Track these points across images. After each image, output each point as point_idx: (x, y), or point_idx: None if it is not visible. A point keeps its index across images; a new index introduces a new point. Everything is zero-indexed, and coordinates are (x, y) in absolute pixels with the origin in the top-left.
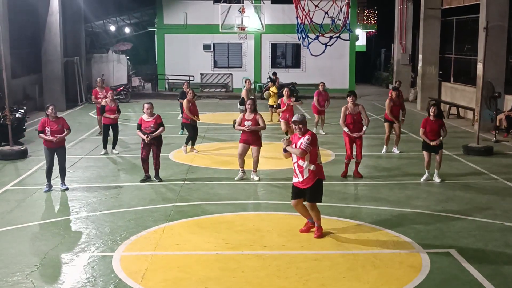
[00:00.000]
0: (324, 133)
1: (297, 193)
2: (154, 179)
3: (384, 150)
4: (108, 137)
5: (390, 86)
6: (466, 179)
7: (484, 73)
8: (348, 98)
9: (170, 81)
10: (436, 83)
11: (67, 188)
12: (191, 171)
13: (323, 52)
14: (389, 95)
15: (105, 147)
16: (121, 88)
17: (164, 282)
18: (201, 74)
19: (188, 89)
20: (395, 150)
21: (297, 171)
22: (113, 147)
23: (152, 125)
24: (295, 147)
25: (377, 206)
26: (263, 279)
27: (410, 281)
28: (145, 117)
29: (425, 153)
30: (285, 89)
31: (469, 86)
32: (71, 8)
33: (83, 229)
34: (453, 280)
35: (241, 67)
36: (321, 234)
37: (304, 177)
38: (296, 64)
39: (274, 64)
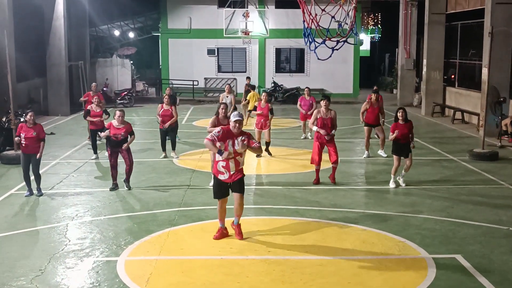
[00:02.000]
0: (311, 137)
1: (225, 189)
2: (124, 183)
3: (365, 155)
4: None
5: (395, 91)
6: (471, 184)
7: (489, 78)
8: (322, 102)
9: (174, 85)
10: (440, 88)
11: (41, 195)
12: (195, 176)
13: (330, 56)
14: (368, 99)
15: (95, 152)
16: (125, 92)
17: (168, 287)
18: (205, 78)
19: (166, 95)
20: (382, 153)
21: (231, 166)
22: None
23: (122, 133)
24: (235, 144)
25: (382, 211)
26: (268, 284)
27: (415, 287)
28: (115, 123)
29: (395, 157)
30: (264, 93)
31: (473, 91)
32: (75, 12)
33: (88, 234)
34: (459, 286)
35: (245, 72)
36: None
37: (235, 171)
38: (300, 69)
39: (278, 69)
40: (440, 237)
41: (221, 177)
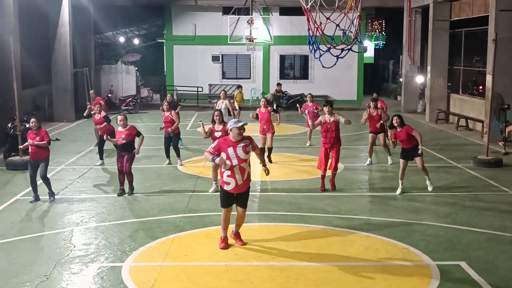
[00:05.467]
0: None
1: (230, 199)
2: (128, 192)
3: (368, 162)
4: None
5: (399, 98)
6: (476, 191)
7: (493, 85)
8: (325, 108)
9: (178, 92)
10: (444, 95)
11: (53, 200)
12: (200, 182)
13: (335, 64)
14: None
15: (101, 158)
16: (130, 99)
17: None
18: (210, 85)
19: (165, 101)
20: (389, 160)
21: (237, 176)
22: None
23: (123, 136)
24: (238, 152)
25: (386, 217)
26: None
27: None
28: (119, 128)
29: (401, 161)
30: (262, 99)
31: (478, 98)
32: (81, 19)
33: (93, 240)
34: None
35: (249, 78)
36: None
37: (242, 181)
38: (304, 75)
39: (282, 76)
40: (444, 244)
41: (226, 187)
